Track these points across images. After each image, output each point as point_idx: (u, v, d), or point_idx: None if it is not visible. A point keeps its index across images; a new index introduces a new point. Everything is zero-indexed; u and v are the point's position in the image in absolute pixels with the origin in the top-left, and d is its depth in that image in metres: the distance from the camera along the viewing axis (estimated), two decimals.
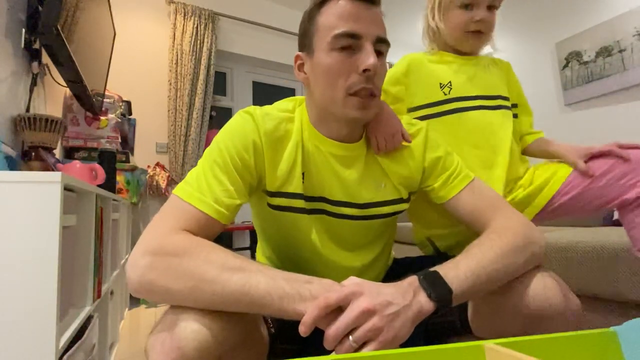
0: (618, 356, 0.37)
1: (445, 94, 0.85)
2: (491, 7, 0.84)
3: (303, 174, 0.64)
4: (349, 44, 0.57)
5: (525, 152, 0.96)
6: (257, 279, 0.44)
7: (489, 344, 0.34)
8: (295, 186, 0.63)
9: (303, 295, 0.43)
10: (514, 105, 0.93)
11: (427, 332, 0.64)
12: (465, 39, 0.87)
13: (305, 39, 0.63)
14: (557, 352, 0.35)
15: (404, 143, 0.68)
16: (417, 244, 0.92)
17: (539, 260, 0.55)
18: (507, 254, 0.52)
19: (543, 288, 0.51)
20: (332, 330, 0.41)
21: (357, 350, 0.41)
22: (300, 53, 0.65)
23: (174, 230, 0.50)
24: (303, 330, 0.41)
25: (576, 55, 2.72)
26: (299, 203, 0.64)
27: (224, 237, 2.95)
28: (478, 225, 0.62)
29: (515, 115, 0.92)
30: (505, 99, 0.89)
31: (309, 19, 0.62)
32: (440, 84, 0.86)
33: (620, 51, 2.47)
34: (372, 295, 0.42)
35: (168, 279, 0.45)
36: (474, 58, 0.91)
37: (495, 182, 0.79)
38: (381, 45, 0.59)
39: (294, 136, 0.64)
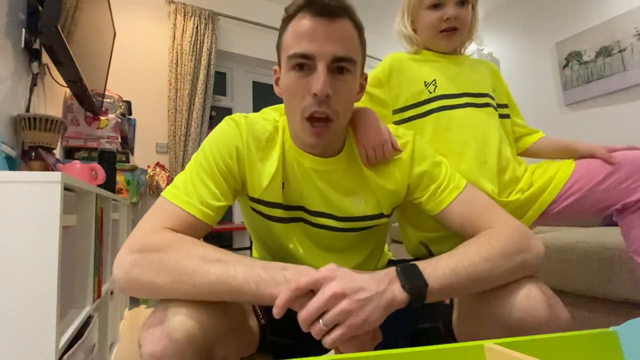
0: (618, 356, 0.37)
1: (430, 92, 0.84)
2: (463, 3, 0.83)
3: (283, 183, 0.64)
4: (303, 64, 0.56)
5: (528, 151, 0.95)
6: (234, 269, 0.46)
7: (489, 344, 0.34)
8: (275, 196, 0.63)
9: (278, 280, 0.45)
10: (505, 106, 0.93)
11: (413, 337, 0.64)
12: (439, 39, 0.86)
13: (278, 54, 0.63)
14: (557, 352, 0.35)
15: (394, 154, 0.66)
16: (408, 250, 0.89)
17: (531, 270, 0.53)
18: (493, 257, 0.50)
19: (527, 298, 0.49)
20: (303, 314, 0.43)
21: (327, 333, 0.42)
22: (276, 67, 0.65)
23: (158, 229, 0.52)
24: (275, 312, 0.43)
25: (576, 55, 2.72)
26: (278, 212, 0.65)
27: (224, 237, 2.95)
28: (470, 235, 0.59)
29: (507, 116, 0.92)
30: (492, 97, 0.88)
31: (279, 34, 0.62)
32: (425, 82, 0.85)
33: (620, 51, 2.47)
34: (344, 280, 0.43)
35: (151, 275, 0.47)
36: (459, 57, 0.90)
37: (487, 180, 0.78)
38: (341, 63, 0.56)
39: (277, 146, 0.64)
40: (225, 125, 0.64)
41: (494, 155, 0.80)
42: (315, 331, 0.43)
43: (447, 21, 0.83)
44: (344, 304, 0.42)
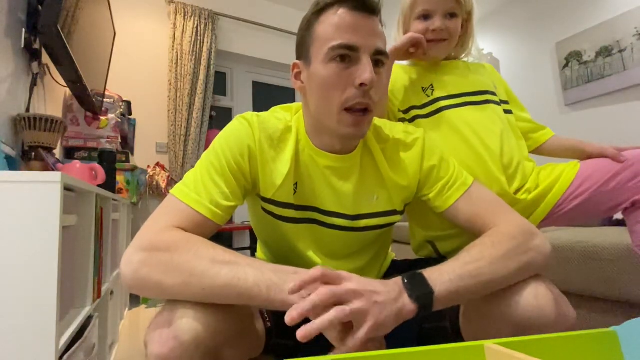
0: (618, 356, 0.37)
1: (428, 96, 0.87)
2: (452, 15, 0.84)
3: (296, 184, 0.63)
4: (346, 56, 0.56)
5: (538, 151, 0.95)
6: (245, 272, 0.45)
7: (489, 344, 0.34)
8: (287, 196, 0.63)
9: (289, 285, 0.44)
10: (506, 102, 0.93)
11: (419, 337, 0.64)
12: (428, 48, 0.87)
13: (302, 48, 0.62)
14: (557, 352, 0.35)
15: (402, 153, 0.67)
16: (413, 248, 0.90)
17: (538, 269, 0.53)
18: (499, 260, 0.50)
19: (535, 297, 0.49)
20: (318, 294, 0.41)
21: (343, 336, 0.42)
22: (297, 61, 0.64)
23: (167, 228, 0.51)
24: (295, 314, 0.40)
25: (576, 55, 2.71)
26: (289, 213, 0.64)
27: (224, 237, 2.95)
28: (477, 232, 0.60)
29: (510, 112, 0.92)
30: (493, 94, 0.89)
31: (307, 27, 0.60)
32: (422, 87, 0.88)
33: (620, 51, 2.46)
34: (360, 283, 0.44)
35: (160, 274, 0.46)
36: (454, 62, 0.92)
37: (493, 177, 0.78)
38: (380, 56, 0.57)
39: (289, 146, 0.63)
40: (237, 123, 0.63)
41: (497, 148, 0.80)
42: (332, 316, 0.41)
43: (433, 32, 0.84)
44: (362, 303, 0.42)
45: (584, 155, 0.84)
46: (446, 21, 0.84)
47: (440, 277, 0.48)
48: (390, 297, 0.44)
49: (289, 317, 0.40)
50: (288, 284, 0.44)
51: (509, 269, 0.50)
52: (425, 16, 0.85)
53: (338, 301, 0.42)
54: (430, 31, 0.84)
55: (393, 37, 0.95)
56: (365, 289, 0.43)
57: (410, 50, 0.87)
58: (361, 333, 0.41)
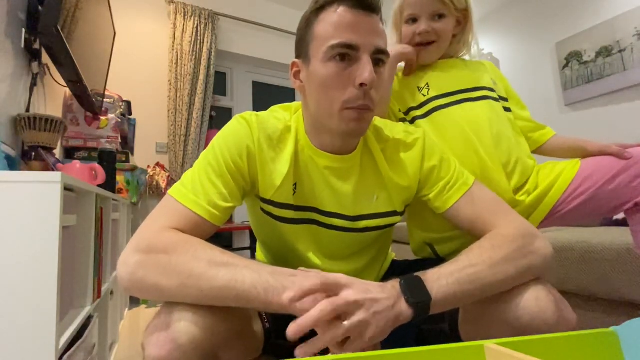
0: (618, 356, 0.37)
1: (424, 95, 0.86)
2: (440, 16, 0.83)
3: (295, 184, 0.63)
4: (345, 55, 0.55)
5: (539, 151, 0.94)
6: (243, 274, 0.45)
7: (489, 344, 0.34)
8: (286, 197, 0.62)
9: (286, 287, 0.44)
10: (505, 99, 0.92)
11: (418, 338, 0.64)
12: (417, 51, 0.87)
13: (301, 46, 0.61)
14: (557, 352, 0.35)
15: (402, 154, 0.67)
16: (412, 249, 0.90)
17: (537, 272, 0.52)
18: (498, 263, 0.50)
19: (535, 300, 0.48)
20: (320, 310, 0.40)
21: (342, 343, 0.42)
22: (296, 60, 0.63)
23: (165, 229, 0.51)
24: (292, 334, 0.40)
25: (576, 55, 2.71)
26: (288, 213, 0.64)
27: (224, 237, 2.95)
28: (478, 233, 0.59)
29: (508, 109, 0.91)
30: (490, 89, 0.88)
31: (306, 26, 0.59)
32: (418, 87, 0.88)
33: (620, 51, 2.46)
34: (360, 290, 0.43)
35: (158, 276, 0.46)
36: (451, 60, 0.92)
37: (491, 175, 0.77)
38: (380, 55, 0.57)
39: (288, 146, 0.63)
40: (235, 123, 0.62)
41: (494, 145, 0.79)
42: (332, 333, 0.41)
43: (420, 35, 0.84)
44: (361, 315, 0.42)
45: (585, 154, 0.82)
46: (433, 23, 0.83)
47: (439, 282, 0.47)
48: (388, 304, 0.44)
49: (291, 332, 0.40)
50: (285, 287, 0.43)
51: (508, 273, 0.50)
52: (413, 19, 0.85)
53: (340, 314, 0.42)
54: (416, 34, 0.84)
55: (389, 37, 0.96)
56: (364, 298, 0.42)
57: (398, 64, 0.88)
58: (361, 343, 0.41)
